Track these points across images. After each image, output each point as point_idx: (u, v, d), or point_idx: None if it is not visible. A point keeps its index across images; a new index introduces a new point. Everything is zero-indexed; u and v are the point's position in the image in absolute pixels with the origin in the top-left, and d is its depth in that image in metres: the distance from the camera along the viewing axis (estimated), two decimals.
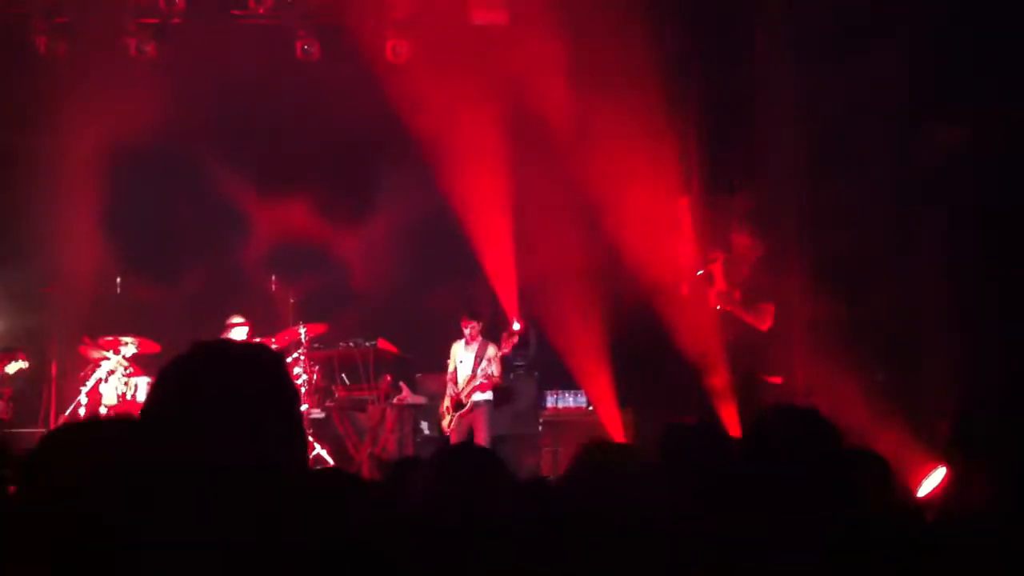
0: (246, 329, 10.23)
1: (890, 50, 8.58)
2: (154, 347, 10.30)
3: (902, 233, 8.93)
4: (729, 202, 10.04)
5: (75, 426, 2.33)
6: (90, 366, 10.13)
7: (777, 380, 8.76)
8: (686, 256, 10.85)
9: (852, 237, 8.88)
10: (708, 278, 9.14)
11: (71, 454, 2.14)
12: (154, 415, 2.01)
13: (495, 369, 10.04)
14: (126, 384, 10.04)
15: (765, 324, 8.77)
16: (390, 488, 3.58)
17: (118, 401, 9.91)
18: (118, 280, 11.25)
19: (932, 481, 5.43)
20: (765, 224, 9.34)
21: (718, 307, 8.99)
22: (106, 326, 10.29)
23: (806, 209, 9.56)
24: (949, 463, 3.42)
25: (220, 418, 1.93)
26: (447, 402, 10.21)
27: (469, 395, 10.04)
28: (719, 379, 9.78)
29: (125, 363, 10.10)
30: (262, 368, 2.00)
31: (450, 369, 10.27)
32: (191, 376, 2.01)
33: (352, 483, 2.80)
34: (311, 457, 9.86)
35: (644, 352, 10.22)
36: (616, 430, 10.26)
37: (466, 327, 10.14)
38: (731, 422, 9.20)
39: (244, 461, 1.87)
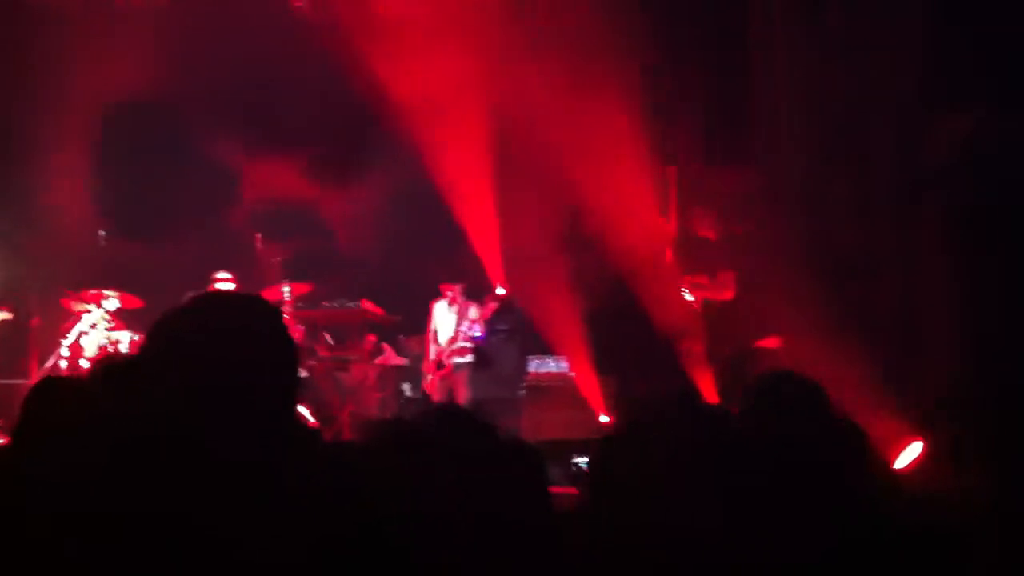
0: (232, 286, 10.22)
1: (896, 39, 8.60)
2: (137, 302, 10.28)
3: (904, 224, 8.95)
4: (716, 175, 10.10)
5: (64, 380, 2.31)
6: (72, 319, 10.10)
7: (774, 343, 8.82)
8: (670, 224, 10.90)
9: (853, 226, 8.92)
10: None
11: (62, 407, 2.13)
12: (149, 366, 2.01)
13: (477, 330, 10.11)
14: (108, 338, 10.01)
15: (728, 293, 8.82)
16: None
17: (99, 355, 9.89)
18: (102, 234, 11.19)
19: (909, 455, 5.50)
20: (763, 206, 9.39)
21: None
22: (89, 280, 10.26)
23: (806, 194, 9.58)
24: (930, 439, 3.50)
25: (216, 370, 1.93)
26: (430, 362, 10.29)
27: (450, 356, 10.11)
28: (699, 346, 9.86)
29: (107, 317, 10.06)
30: (261, 318, 2.01)
31: (431, 328, 10.34)
32: (188, 326, 2.01)
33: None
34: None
35: (626, 319, 10.28)
36: (596, 397, 10.34)
37: (448, 290, 10.21)
38: (708, 390, 9.29)
39: (243, 417, 1.88)
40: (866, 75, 8.84)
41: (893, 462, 5.45)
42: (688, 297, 9.14)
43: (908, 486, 3.33)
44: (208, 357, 1.91)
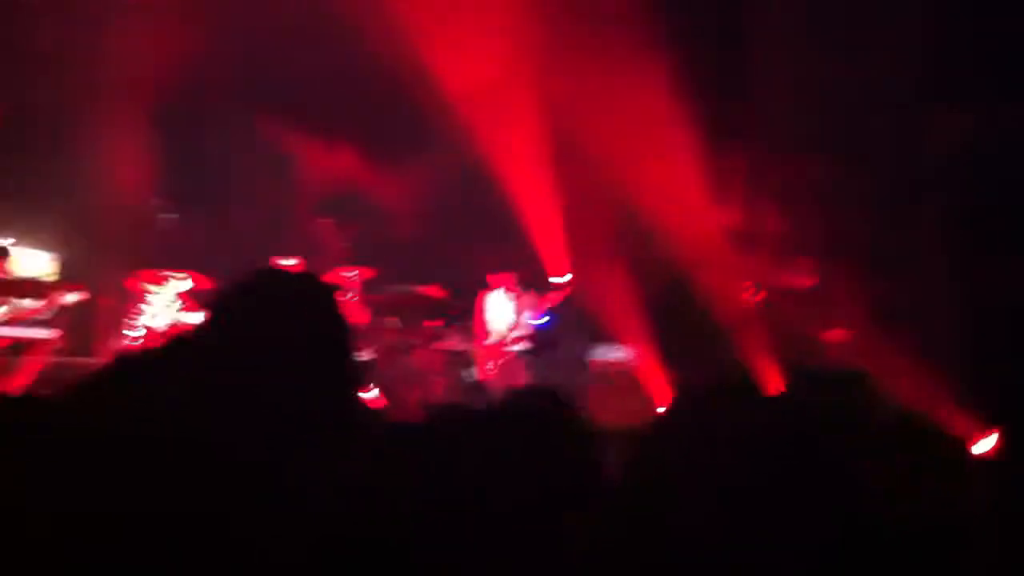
0: None
1: (899, 33, 8.49)
2: (208, 283, 10.42)
3: (909, 218, 8.85)
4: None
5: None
6: (138, 299, 10.26)
7: (838, 335, 8.74)
8: (733, 215, 10.81)
9: (861, 222, 8.83)
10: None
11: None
12: (212, 339, 2.02)
13: (542, 318, 10.11)
14: (177, 318, 10.16)
15: (808, 280, 8.73)
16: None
17: (169, 334, 10.03)
18: (173, 216, 11.34)
19: (985, 444, 5.39)
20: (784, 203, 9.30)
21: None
22: (159, 261, 10.41)
23: (818, 193, 9.49)
24: (1006, 428, 3.43)
25: (277, 344, 1.94)
26: (485, 349, 10.32)
27: (512, 344, 10.13)
28: (760, 337, 9.78)
29: (178, 298, 10.21)
30: (318, 295, 2.02)
31: (488, 316, 10.36)
32: (250, 300, 2.02)
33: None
34: (368, 399, 9.96)
35: (688, 309, 10.22)
36: (661, 385, 10.29)
37: (498, 282, 10.24)
38: (773, 380, 9.20)
39: (300, 391, 1.88)
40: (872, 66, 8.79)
41: (970, 451, 5.37)
42: (756, 287, 9.05)
43: (986, 472, 3.30)
44: (264, 334, 1.93)
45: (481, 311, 10.42)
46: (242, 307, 2.02)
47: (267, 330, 1.94)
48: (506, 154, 10.74)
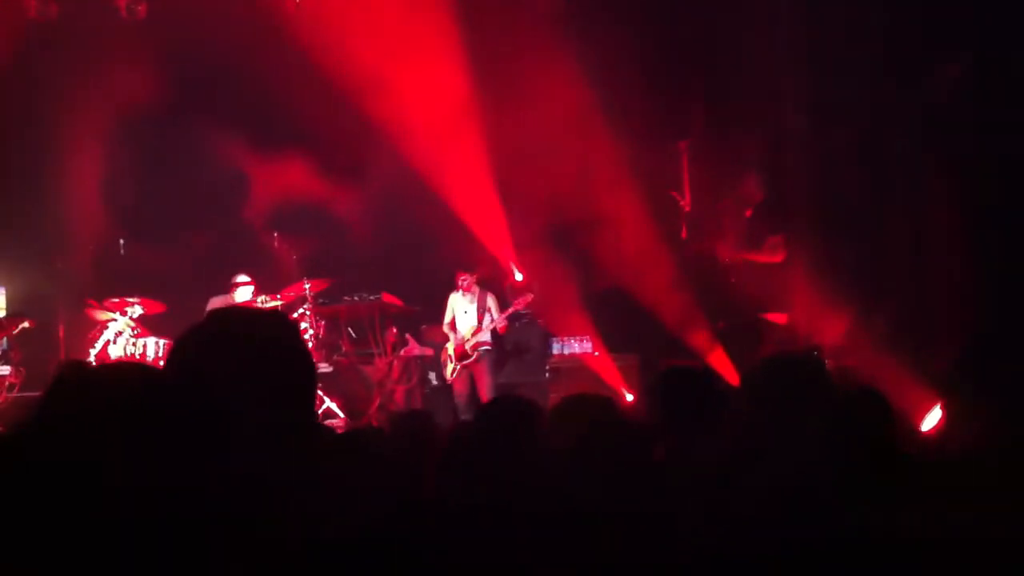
0: (251, 288, 10.29)
1: None
2: (160, 307, 10.38)
3: (906, 173, 8.92)
4: (731, 146, 10.07)
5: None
6: (97, 328, 10.19)
7: (782, 319, 8.84)
8: (684, 200, 10.90)
9: (856, 178, 8.88)
10: (717, 227, 9.19)
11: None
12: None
13: (498, 317, 10.18)
14: (134, 345, 10.11)
15: (780, 255, 8.81)
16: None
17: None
18: (121, 242, 11.30)
19: (932, 419, 5.51)
20: (770, 167, 9.36)
21: (727, 259, 9.03)
22: (112, 288, 10.36)
23: (810, 152, 9.55)
24: (948, 401, 3.51)
25: (237, 386, 1.97)
26: (450, 350, 10.35)
27: (475, 347, 10.18)
28: (716, 324, 9.90)
29: (132, 324, 10.16)
30: (280, 337, 2.06)
31: (447, 319, 10.40)
32: (208, 345, 2.06)
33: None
34: (321, 412, 9.98)
35: (646, 298, 10.32)
36: (616, 376, 10.43)
37: (461, 279, 10.27)
38: (726, 368, 9.31)
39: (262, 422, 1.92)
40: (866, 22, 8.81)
41: (917, 427, 5.48)
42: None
43: (933, 450, 3.36)
44: (225, 377, 1.95)
45: (446, 312, 10.46)
46: (199, 352, 2.06)
47: (226, 375, 1.97)
48: (454, 162, 10.82)
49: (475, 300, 10.28)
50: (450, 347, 10.36)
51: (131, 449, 1.72)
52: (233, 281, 10.30)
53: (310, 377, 2.08)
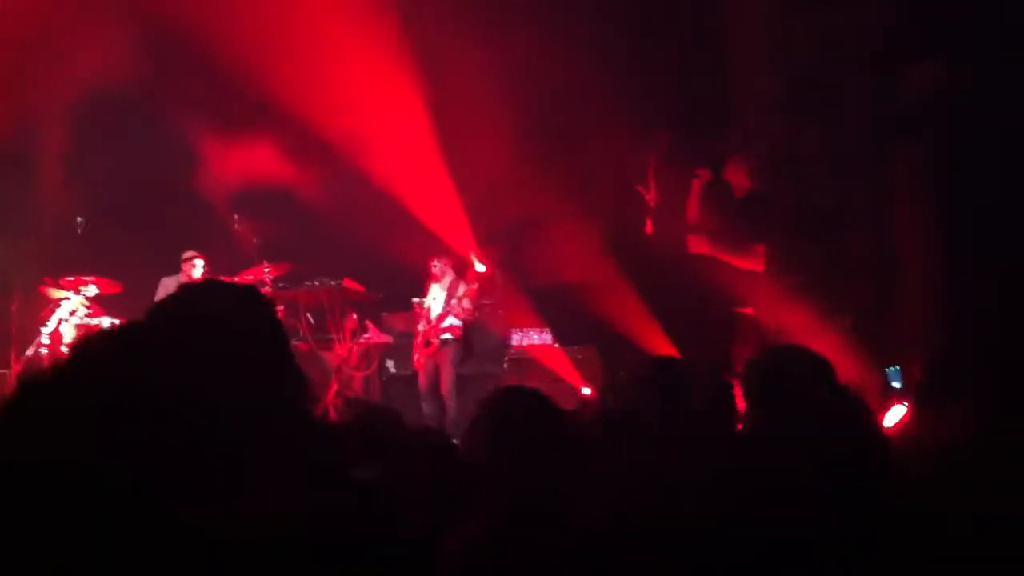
0: (202, 262, 10.17)
1: None
2: (115, 287, 10.23)
3: (877, 177, 8.95)
4: (700, 144, 10.08)
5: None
6: (51, 306, 10.03)
7: (748, 311, 8.85)
8: (650, 195, 10.89)
9: (827, 180, 8.92)
10: (689, 217, 9.17)
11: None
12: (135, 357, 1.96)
13: (466, 305, 10.08)
14: (87, 324, 9.96)
15: (760, 266, 8.79)
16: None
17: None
18: (79, 220, 11.11)
19: (892, 417, 5.54)
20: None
21: (699, 252, 9.01)
22: (67, 266, 10.20)
23: (781, 152, 9.56)
24: (919, 404, 3.53)
25: (210, 364, 1.91)
26: (420, 338, 10.32)
27: (438, 334, 10.12)
28: (682, 316, 9.90)
29: (86, 303, 10.02)
30: (255, 308, 2.01)
31: (425, 305, 10.34)
32: (181, 317, 2.00)
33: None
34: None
35: (609, 290, 10.31)
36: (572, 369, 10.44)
37: (433, 265, 10.23)
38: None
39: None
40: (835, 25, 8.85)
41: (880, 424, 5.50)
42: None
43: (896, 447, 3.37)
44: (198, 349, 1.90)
45: (422, 298, 10.42)
46: (171, 324, 2.00)
47: (200, 347, 1.92)
48: (414, 150, 10.76)
49: (446, 287, 10.22)
50: (422, 331, 10.33)
51: (101, 444, 1.67)
52: (183, 257, 10.19)
53: (289, 354, 2.04)
